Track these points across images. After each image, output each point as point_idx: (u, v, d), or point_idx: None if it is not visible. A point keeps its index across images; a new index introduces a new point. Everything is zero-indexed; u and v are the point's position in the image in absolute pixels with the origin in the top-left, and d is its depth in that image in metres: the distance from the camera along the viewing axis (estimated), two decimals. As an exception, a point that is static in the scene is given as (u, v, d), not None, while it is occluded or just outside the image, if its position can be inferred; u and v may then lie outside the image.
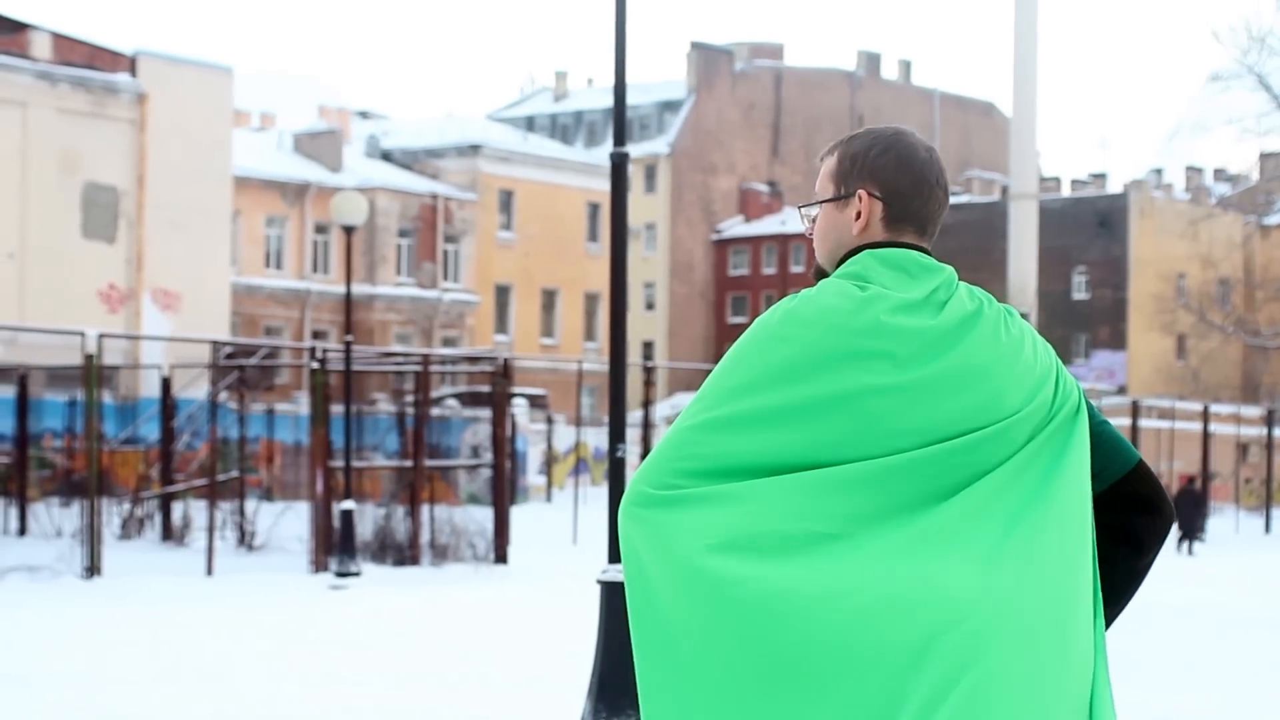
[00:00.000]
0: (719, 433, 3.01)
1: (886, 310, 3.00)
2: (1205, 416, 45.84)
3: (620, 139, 11.34)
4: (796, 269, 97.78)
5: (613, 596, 10.89)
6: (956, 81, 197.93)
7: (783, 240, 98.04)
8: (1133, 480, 3.19)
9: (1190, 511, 35.92)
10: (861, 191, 3.15)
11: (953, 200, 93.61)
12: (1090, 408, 3.16)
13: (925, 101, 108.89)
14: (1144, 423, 47.06)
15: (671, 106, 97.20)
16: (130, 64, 47.95)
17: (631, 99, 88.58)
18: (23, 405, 31.53)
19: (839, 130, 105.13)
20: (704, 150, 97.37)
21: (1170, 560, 31.43)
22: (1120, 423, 49.41)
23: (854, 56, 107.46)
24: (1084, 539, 3.04)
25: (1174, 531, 37.12)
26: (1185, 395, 71.31)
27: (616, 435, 11.28)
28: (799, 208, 3.37)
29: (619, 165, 11.38)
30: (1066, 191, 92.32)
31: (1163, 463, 51.15)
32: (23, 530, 29.76)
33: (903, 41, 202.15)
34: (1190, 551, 35.54)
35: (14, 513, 30.54)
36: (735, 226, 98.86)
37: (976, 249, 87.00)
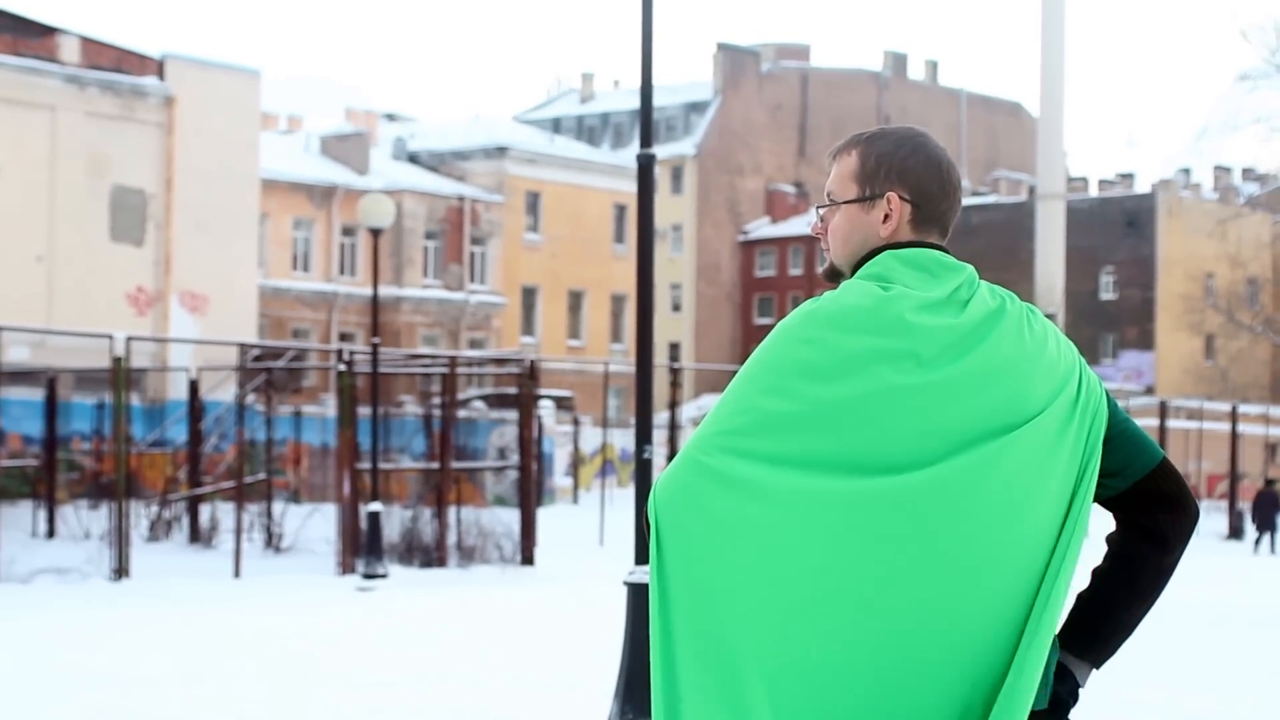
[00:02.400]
0: (744, 438, 2.99)
1: (910, 309, 2.99)
2: (1234, 417, 45.68)
3: (647, 140, 11.34)
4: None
5: (639, 598, 10.86)
6: (983, 82, 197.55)
7: (810, 241, 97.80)
8: (1157, 477, 3.18)
9: (1270, 512, 37.02)
10: (892, 194, 3.15)
11: (980, 200, 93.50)
12: (1113, 405, 3.16)
13: (952, 102, 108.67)
14: (1172, 423, 46.92)
15: (698, 108, 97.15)
16: (158, 67, 48.08)
17: (658, 100, 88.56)
18: (51, 408, 31.62)
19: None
20: (730, 151, 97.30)
21: (1205, 560, 31.32)
22: (1148, 423, 49.24)
23: (880, 57, 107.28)
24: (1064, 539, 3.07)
25: (1251, 531, 38.18)
26: (1213, 395, 71.08)
27: (643, 437, 11.27)
28: (818, 208, 3.34)
29: (645, 167, 11.38)
30: (1094, 191, 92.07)
31: (1190, 463, 50.95)
32: (51, 532, 29.83)
33: (929, 42, 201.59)
34: (1272, 549, 36.48)
35: (42, 515, 30.62)
36: (762, 227, 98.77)
37: (1004, 249, 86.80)
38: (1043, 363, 3.04)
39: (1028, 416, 2.99)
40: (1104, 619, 3.18)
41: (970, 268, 3.12)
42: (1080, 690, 3.19)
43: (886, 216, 3.14)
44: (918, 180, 3.14)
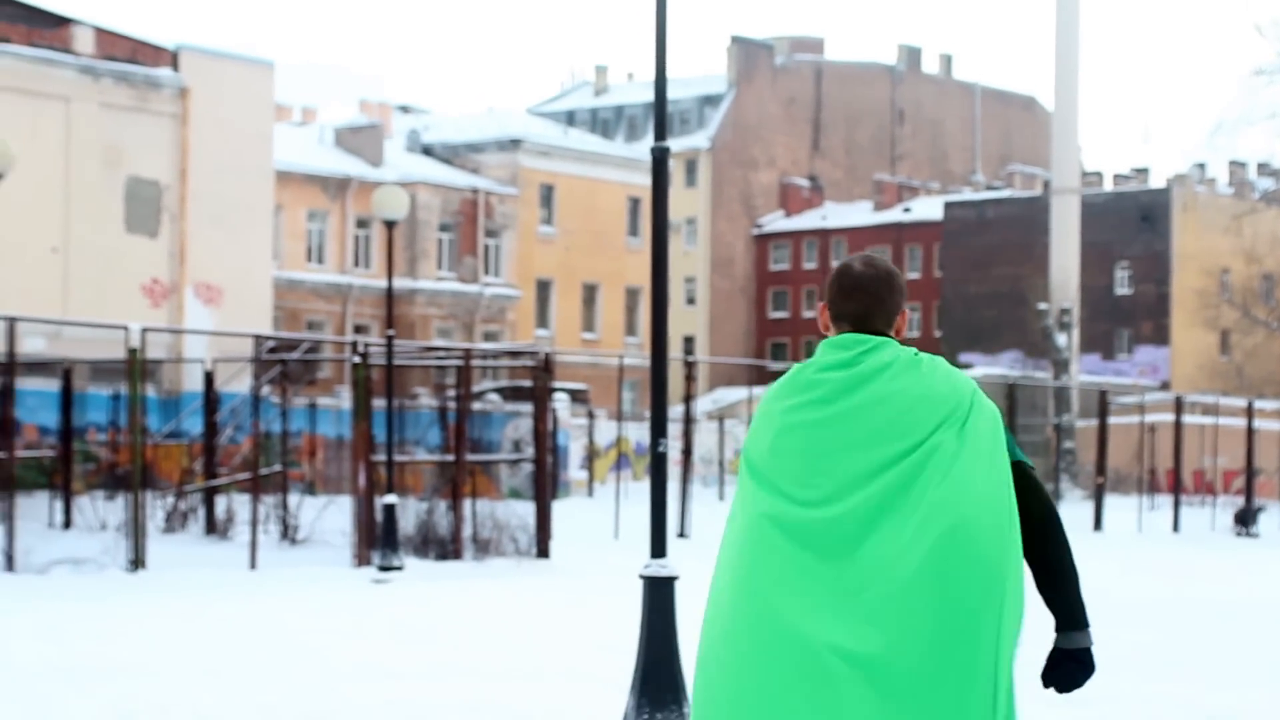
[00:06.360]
0: (749, 473, 4.55)
1: (813, 370, 4.49)
2: (1249, 412, 45.57)
3: (661, 133, 11.33)
4: (837, 263, 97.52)
5: (655, 591, 10.86)
6: (998, 76, 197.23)
7: (823, 235, 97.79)
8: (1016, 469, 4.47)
9: None
10: (821, 305, 4.66)
11: (994, 195, 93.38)
12: (1008, 434, 4.44)
13: (966, 96, 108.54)
14: (1187, 419, 46.84)
15: (712, 101, 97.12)
16: (172, 58, 48.13)
17: (672, 93, 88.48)
18: (67, 399, 31.68)
19: (880, 125, 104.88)
20: (744, 145, 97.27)
21: (1222, 556, 31.31)
22: (1163, 419, 49.21)
23: (895, 51, 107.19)
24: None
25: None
26: (1229, 391, 70.96)
27: (658, 430, 11.27)
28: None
29: (660, 160, 11.37)
30: (1109, 186, 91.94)
31: (1206, 459, 50.89)
32: (67, 523, 29.89)
33: (944, 36, 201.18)
34: None
35: (59, 506, 30.68)
36: (776, 221, 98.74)
37: (1018, 244, 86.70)
38: (929, 393, 4.38)
39: (917, 430, 4.34)
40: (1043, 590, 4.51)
41: (885, 340, 4.48)
42: (1072, 651, 4.47)
43: (825, 322, 4.65)
44: (829, 296, 4.62)
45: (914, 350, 4.49)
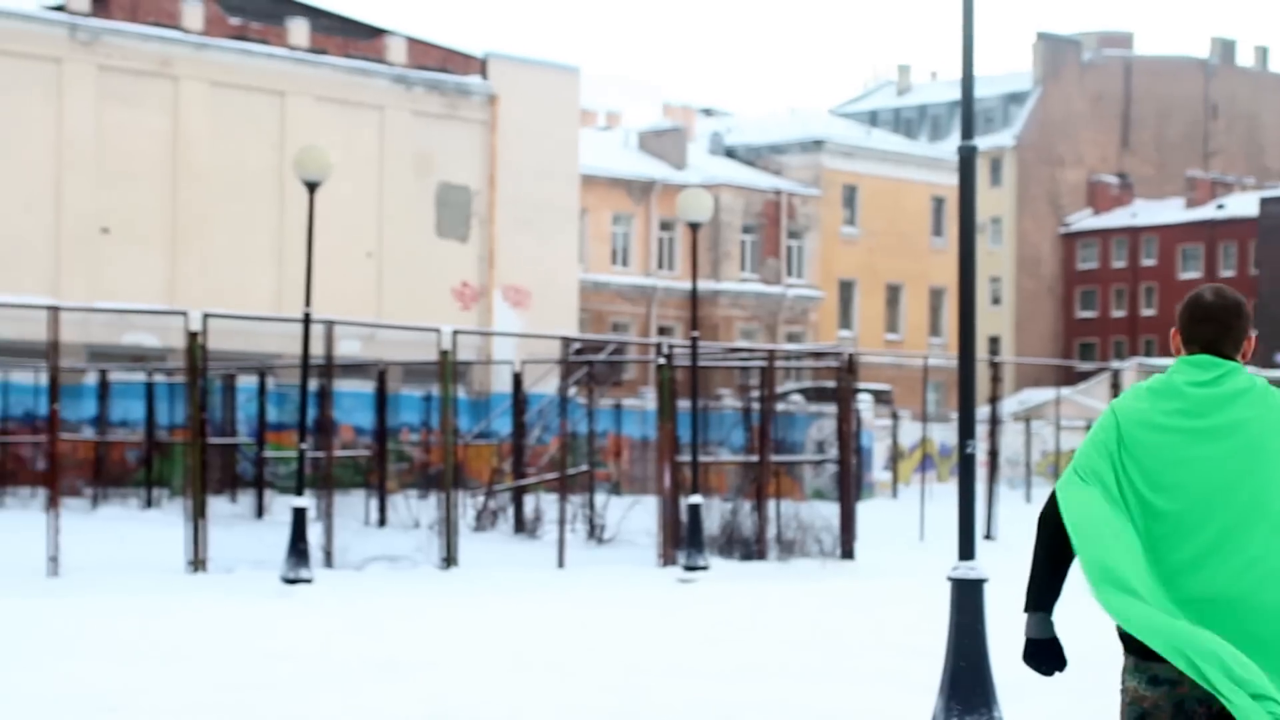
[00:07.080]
0: (1089, 460, 5.06)
1: (1182, 383, 5.02)
2: None
3: (968, 132, 11.25)
4: (1147, 262, 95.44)
5: (963, 593, 10.75)
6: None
7: (1133, 233, 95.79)
8: None
9: None
10: (1174, 330, 5.20)
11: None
12: None
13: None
14: None
15: (1017, 98, 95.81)
16: (481, 66, 49.08)
17: (977, 91, 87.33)
18: (381, 400, 32.49)
19: (1192, 120, 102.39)
20: (1051, 142, 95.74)
21: None
22: None
23: (1207, 44, 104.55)
24: None
25: None
26: None
27: (966, 432, 11.18)
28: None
29: (967, 159, 11.28)
30: None
31: None
32: (382, 521, 30.67)
33: (1259, 27, 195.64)
34: None
35: (374, 504, 31.50)
36: (1084, 219, 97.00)
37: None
38: (1275, 423, 4.92)
39: (1266, 454, 4.89)
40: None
41: (1235, 365, 5.02)
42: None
43: (1177, 345, 5.19)
44: (1181, 321, 5.15)
45: (1264, 380, 5.04)
